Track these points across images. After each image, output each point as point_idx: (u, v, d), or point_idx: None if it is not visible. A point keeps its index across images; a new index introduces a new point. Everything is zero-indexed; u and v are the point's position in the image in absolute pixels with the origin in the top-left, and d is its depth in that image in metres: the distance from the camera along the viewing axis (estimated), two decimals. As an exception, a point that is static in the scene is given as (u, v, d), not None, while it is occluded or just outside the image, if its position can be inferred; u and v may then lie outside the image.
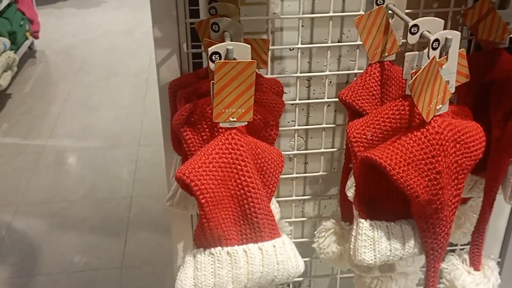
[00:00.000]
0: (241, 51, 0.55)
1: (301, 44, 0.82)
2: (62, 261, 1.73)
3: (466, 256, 0.81)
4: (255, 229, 0.60)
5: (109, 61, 3.30)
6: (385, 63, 0.74)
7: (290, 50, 0.84)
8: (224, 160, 0.58)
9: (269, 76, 0.82)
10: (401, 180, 0.57)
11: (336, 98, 0.86)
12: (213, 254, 0.59)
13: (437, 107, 0.59)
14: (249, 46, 0.55)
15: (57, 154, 2.37)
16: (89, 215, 1.95)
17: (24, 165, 2.27)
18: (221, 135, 0.58)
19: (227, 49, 0.55)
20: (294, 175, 0.90)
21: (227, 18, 0.63)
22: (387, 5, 0.71)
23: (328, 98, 0.86)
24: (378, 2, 0.71)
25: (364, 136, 0.64)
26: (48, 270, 1.69)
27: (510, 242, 0.88)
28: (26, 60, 3.31)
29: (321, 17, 0.80)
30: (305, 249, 0.97)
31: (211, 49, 0.55)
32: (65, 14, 4.14)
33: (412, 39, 0.61)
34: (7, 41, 2.81)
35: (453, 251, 0.86)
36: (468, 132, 0.60)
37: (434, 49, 0.56)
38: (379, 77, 0.74)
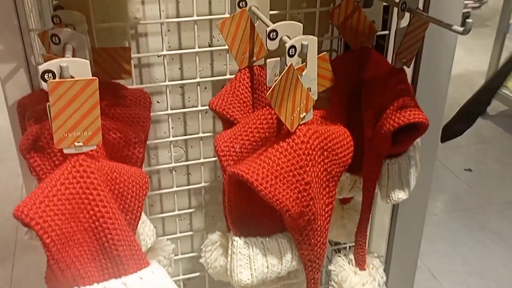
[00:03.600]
0: (79, 67, 0.49)
1: (170, 49, 0.77)
2: None
3: (352, 257, 0.80)
4: (116, 263, 0.54)
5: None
6: (255, 67, 0.70)
7: (158, 56, 0.79)
8: (72, 191, 0.51)
9: (135, 86, 0.76)
10: (270, 195, 0.54)
11: (212, 105, 0.82)
12: (69, 297, 0.52)
13: (301, 116, 0.56)
14: (87, 61, 0.49)
15: None
16: (-31, 242, 1.76)
17: None
18: (67, 162, 0.51)
19: (60, 66, 0.48)
20: (174, 188, 0.85)
21: (68, 29, 0.56)
22: (250, 7, 0.68)
23: (202, 105, 0.81)
24: (241, 4, 0.68)
25: (233, 149, 0.60)
26: None
27: (395, 238, 0.89)
28: None
29: (185, 21, 0.75)
30: (196, 264, 0.93)
31: (41, 68, 0.48)
32: None
33: (272, 45, 0.58)
34: None
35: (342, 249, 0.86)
36: (335, 139, 0.59)
37: (291, 56, 0.53)
38: (249, 83, 0.70)
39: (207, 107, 0.82)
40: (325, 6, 0.80)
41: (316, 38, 0.54)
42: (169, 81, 0.77)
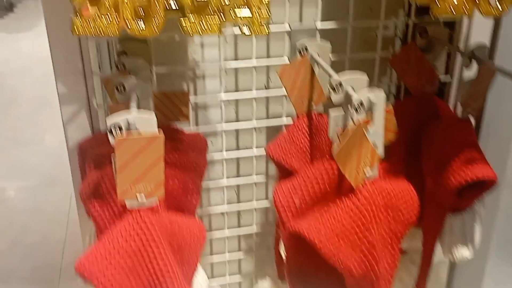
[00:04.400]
0: (146, 122, 0.49)
1: (226, 91, 0.77)
2: (-14, 319, 1.58)
3: (409, 311, 0.77)
4: (173, 317, 0.53)
5: (42, 92, 3.13)
6: (313, 114, 0.69)
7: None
8: (133, 246, 0.50)
9: (192, 127, 0.76)
10: (332, 256, 0.52)
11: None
12: None
13: (366, 171, 0.54)
14: (154, 117, 0.49)
15: (-17, 196, 2.20)
16: (18, 264, 1.80)
17: None
18: (128, 216, 0.51)
19: (128, 121, 0.48)
20: (226, 233, 0.83)
21: (133, 78, 0.57)
22: (311, 54, 0.67)
23: (257, 147, 0.80)
24: (301, 51, 0.67)
25: (292, 203, 0.59)
26: (-30, 331, 1.54)
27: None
28: (-50, 92, 3.10)
29: (244, 67, 0.75)
30: (243, 308, 0.91)
31: (109, 121, 0.48)
32: (-6, 39, 3.92)
33: (336, 98, 0.56)
34: None
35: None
36: (401, 196, 0.56)
37: (358, 112, 0.52)
38: (308, 131, 0.69)
39: (261, 151, 0.81)
40: (384, 49, 0.78)
41: (384, 94, 0.53)
42: (224, 122, 0.77)
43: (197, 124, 0.79)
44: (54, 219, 2.03)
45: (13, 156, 2.47)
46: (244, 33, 0.49)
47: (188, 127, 0.74)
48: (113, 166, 0.49)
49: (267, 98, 0.80)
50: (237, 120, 0.81)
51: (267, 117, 0.82)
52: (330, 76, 0.57)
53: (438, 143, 0.68)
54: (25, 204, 2.13)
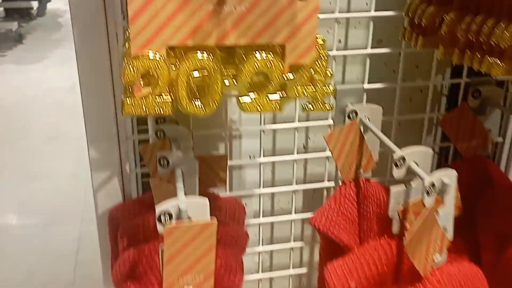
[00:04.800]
0: (197, 207, 0.44)
1: (264, 155, 0.72)
2: None
3: None
4: None
5: (51, 124, 3.10)
6: (361, 180, 0.64)
7: (250, 158, 0.74)
8: None
9: (227, 191, 0.71)
10: None
11: (303, 211, 0.76)
12: None
13: (435, 258, 0.49)
14: (207, 202, 0.44)
15: (-11, 234, 2.14)
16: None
17: (-50, 249, 2.03)
18: (174, 310, 0.46)
19: (178, 207, 0.43)
20: (260, 302, 0.78)
21: (179, 152, 0.52)
22: (360, 119, 0.63)
23: (295, 211, 0.75)
24: (351, 116, 0.63)
25: (348, 287, 0.53)
26: None
27: None
28: (-41, 123, 3.08)
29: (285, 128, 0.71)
30: None
31: (158, 209, 0.43)
32: (5, 70, 3.91)
33: (399, 173, 0.52)
34: None
35: None
36: (471, 284, 0.51)
37: (429, 194, 0.47)
38: (355, 198, 0.64)
39: (299, 215, 0.76)
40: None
41: (455, 173, 0.48)
42: (259, 183, 0.72)
43: (231, 187, 0.75)
44: (62, 260, 1.96)
45: (20, 191, 2.42)
46: (307, 110, 0.45)
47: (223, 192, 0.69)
48: (160, 257, 0.45)
49: (305, 159, 0.76)
50: (273, 181, 0.77)
51: (305, 177, 0.77)
52: (392, 151, 0.53)
53: (497, 215, 0.63)
54: (33, 243, 2.07)
